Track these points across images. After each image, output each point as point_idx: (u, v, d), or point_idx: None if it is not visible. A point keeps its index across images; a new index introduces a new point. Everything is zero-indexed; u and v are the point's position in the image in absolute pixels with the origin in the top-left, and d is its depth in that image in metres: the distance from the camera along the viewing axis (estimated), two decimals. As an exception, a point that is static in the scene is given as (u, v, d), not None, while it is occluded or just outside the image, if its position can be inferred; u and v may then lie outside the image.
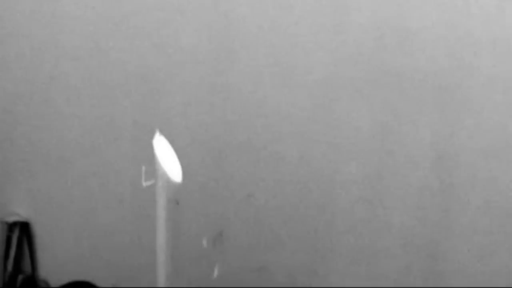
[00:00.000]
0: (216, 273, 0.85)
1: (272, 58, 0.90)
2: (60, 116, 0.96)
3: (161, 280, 0.66)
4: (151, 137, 0.57)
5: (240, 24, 0.90)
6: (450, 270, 0.90)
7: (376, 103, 0.87)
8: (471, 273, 0.88)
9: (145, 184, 0.55)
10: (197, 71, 0.93)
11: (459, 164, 0.86)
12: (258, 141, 0.91)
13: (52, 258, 0.95)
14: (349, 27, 0.87)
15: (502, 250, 0.87)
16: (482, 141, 0.84)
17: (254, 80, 0.90)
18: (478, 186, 0.86)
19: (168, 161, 0.53)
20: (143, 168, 0.57)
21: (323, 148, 0.89)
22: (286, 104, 0.89)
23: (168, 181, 0.53)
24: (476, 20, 0.81)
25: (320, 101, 0.89)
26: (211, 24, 0.90)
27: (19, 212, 0.94)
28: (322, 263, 0.94)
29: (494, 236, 0.86)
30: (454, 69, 0.84)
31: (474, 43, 0.83)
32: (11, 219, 0.93)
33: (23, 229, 0.93)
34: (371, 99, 0.87)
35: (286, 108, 0.89)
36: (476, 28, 0.81)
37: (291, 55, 0.89)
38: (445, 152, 0.86)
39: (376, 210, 0.90)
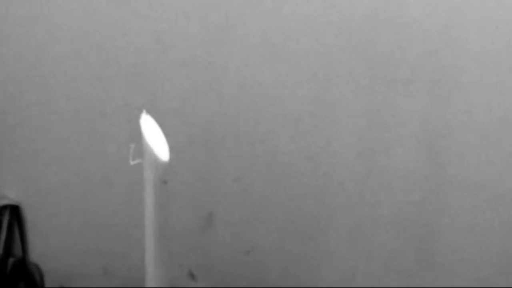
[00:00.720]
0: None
1: (263, 43, 0.89)
2: (49, 99, 0.95)
3: (150, 261, 0.67)
4: (140, 117, 0.56)
5: (232, 9, 0.90)
6: (441, 251, 0.91)
7: (366, 86, 0.87)
8: (463, 254, 0.89)
9: (132, 163, 0.54)
10: (188, 54, 0.93)
11: (449, 145, 0.87)
12: (248, 123, 0.91)
13: (43, 241, 0.95)
14: (340, 11, 0.87)
15: (493, 230, 0.87)
16: (472, 122, 0.84)
17: (245, 62, 0.89)
18: (468, 167, 0.86)
19: (155, 140, 0.52)
20: (131, 146, 0.56)
21: (313, 132, 0.89)
22: (276, 87, 0.89)
23: (156, 160, 0.53)
24: (466, 2, 0.81)
25: (311, 86, 0.89)
26: (202, 8, 0.90)
27: (9, 195, 0.94)
28: (312, 245, 0.94)
29: (485, 216, 0.86)
30: (445, 51, 0.84)
31: (465, 25, 0.83)
32: (1, 202, 0.93)
33: (14, 212, 0.93)
34: (362, 81, 0.87)
35: (276, 91, 0.89)
36: (466, 9, 0.81)
37: (282, 41, 0.88)
38: (436, 133, 0.87)
39: (367, 192, 0.90)
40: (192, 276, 0.93)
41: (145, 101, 0.96)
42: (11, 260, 0.94)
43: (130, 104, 0.99)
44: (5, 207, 0.92)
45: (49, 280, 0.95)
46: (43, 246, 0.95)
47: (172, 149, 0.58)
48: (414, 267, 0.93)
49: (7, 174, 0.95)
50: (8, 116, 0.97)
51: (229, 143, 0.96)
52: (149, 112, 0.60)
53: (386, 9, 0.84)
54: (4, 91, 0.96)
